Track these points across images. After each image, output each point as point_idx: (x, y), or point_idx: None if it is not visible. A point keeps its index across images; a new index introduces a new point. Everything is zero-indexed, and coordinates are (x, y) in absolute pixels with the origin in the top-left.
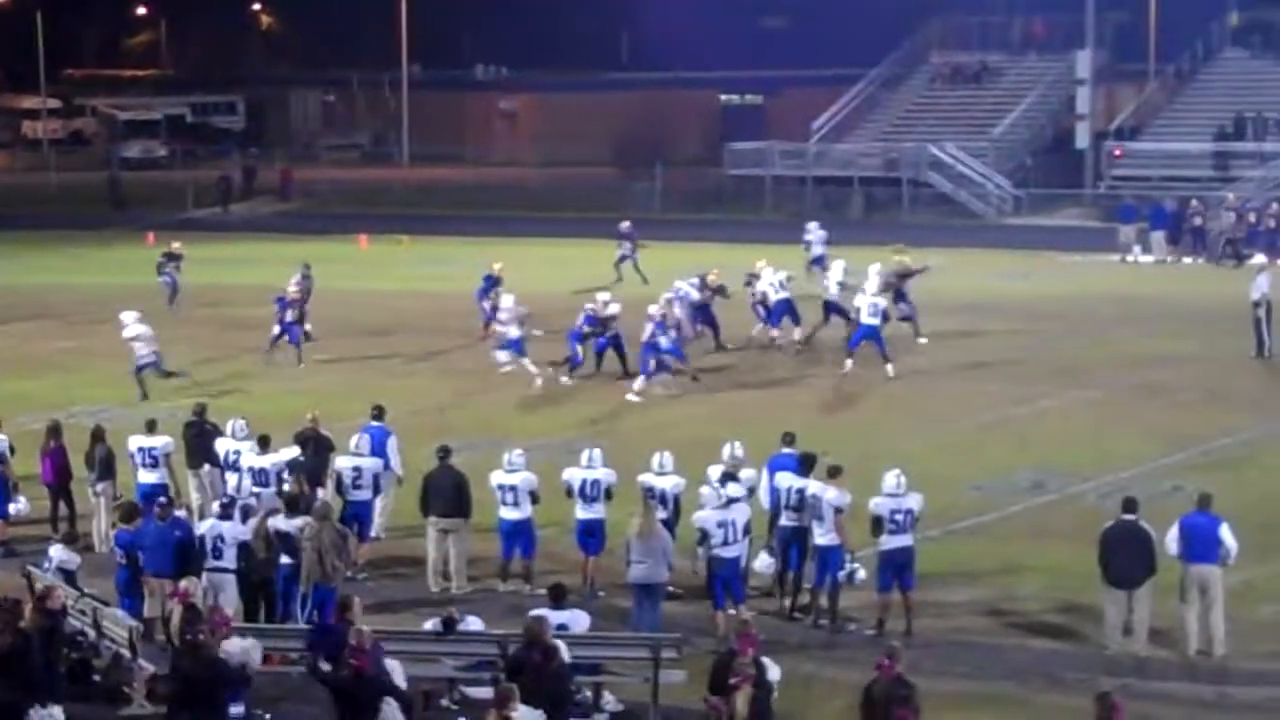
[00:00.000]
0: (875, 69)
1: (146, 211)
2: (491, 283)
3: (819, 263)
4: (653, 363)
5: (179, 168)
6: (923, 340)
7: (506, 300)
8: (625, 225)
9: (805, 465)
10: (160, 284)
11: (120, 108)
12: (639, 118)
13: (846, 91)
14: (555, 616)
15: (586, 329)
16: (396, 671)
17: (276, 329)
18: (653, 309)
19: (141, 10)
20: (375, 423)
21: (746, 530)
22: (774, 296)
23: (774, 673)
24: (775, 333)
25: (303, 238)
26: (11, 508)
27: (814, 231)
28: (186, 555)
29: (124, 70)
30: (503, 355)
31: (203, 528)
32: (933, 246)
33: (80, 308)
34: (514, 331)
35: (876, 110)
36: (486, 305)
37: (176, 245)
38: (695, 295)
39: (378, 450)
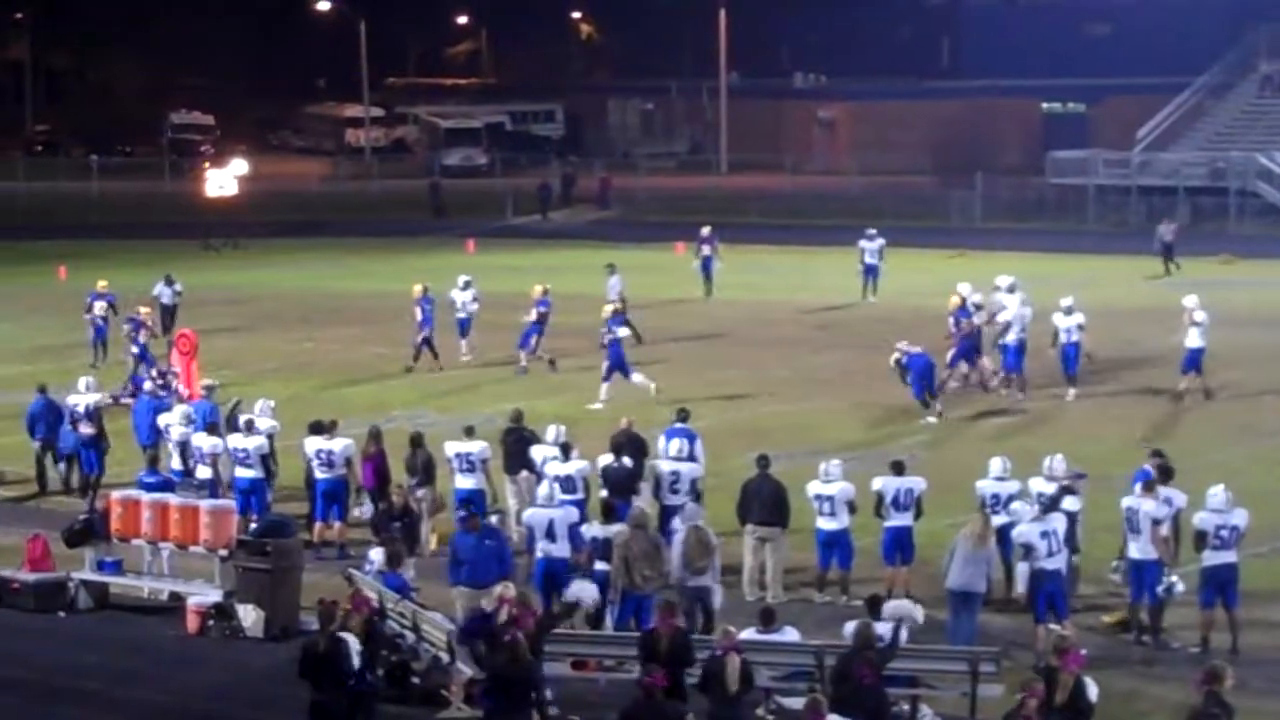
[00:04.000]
0: (1202, 77)
1: (467, 219)
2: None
3: (871, 273)
4: None
5: (499, 175)
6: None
7: None
8: (705, 230)
9: (1164, 476)
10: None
11: (442, 116)
12: (959, 126)
13: (1172, 99)
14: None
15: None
16: None
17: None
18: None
19: (463, 20)
20: (680, 425)
21: (1066, 541)
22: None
23: (1093, 691)
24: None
25: (621, 245)
26: (356, 511)
27: (871, 239)
28: (502, 562)
29: (445, 79)
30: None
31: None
32: (1259, 258)
33: (400, 314)
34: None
35: (1203, 119)
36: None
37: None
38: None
39: (694, 455)
